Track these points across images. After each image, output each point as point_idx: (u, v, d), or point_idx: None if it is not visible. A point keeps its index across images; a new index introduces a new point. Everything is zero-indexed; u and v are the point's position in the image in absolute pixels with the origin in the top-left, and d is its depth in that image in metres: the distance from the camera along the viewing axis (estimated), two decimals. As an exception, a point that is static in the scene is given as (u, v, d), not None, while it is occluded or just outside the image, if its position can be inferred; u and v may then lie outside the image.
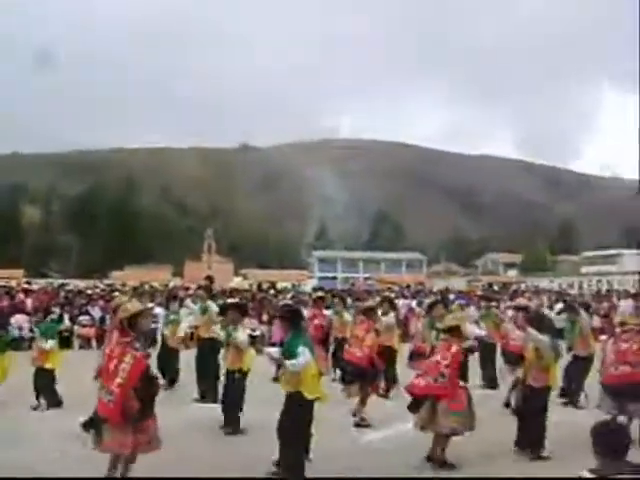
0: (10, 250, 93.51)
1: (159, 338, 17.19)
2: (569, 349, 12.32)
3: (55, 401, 11.64)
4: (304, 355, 7.16)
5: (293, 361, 7.13)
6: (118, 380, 6.44)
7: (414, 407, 8.19)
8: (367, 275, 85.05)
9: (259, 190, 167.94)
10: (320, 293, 15.44)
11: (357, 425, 10.06)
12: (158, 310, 21.66)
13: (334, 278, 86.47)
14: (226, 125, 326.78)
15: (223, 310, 10.81)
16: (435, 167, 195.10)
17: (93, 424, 6.87)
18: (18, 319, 21.54)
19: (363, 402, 10.25)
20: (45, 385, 11.63)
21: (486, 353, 13.87)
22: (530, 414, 8.46)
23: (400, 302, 26.23)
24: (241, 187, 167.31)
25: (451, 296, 31.85)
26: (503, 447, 8.56)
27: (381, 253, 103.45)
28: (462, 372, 8.15)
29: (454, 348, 7.98)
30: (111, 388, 6.46)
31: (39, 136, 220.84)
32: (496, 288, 47.61)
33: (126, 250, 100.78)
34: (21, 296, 25.71)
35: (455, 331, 8.22)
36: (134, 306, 7.14)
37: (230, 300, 13.98)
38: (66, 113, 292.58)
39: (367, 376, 10.22)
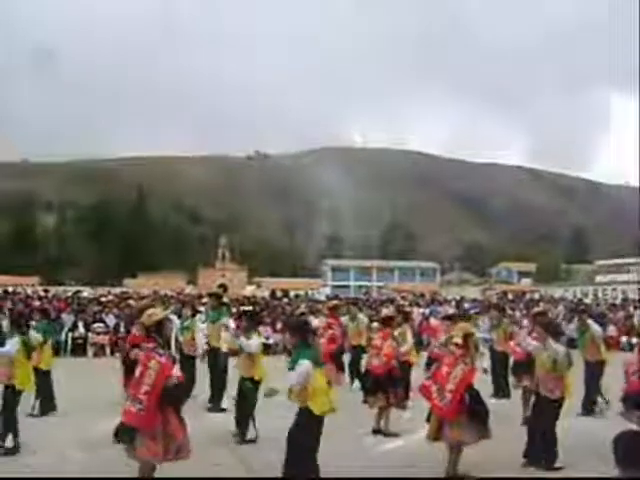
0: (25, 258, 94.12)
1: (173, 346, 17.16)
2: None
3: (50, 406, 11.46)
4: (299, 368, 7.04)
5: (292, 374, 7.05)
6: (145, 387, 6.46)
7: (429, 416, 8.22)
8: (380, 283, 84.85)
9: (272, 198, 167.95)
10: (335, 301, 15.26)
11: (375, 432, 10.02)
12: (172, 317, 21.74)
13: (347, 287, 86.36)
14: (238, 133, 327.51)
15: (237, 318, 10.84)
16: (447, 175, 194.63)
17: (125, 434, 6.79)
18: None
19: (383, 412, 10.21)
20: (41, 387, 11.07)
21: (497, 363, 13.84)
22: (544, 426, 8.42)
23: (414, 311, 26.22)
24: (253, 195, 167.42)
25: (466, 305, 31.82)
26: (514, 458, 8.50)
27: (394, 262, 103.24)
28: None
29: (461, 369, 7.94)
30: (139, 396, 6.47)
31: (49, 144, 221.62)
32: (510, 297, 47.56)
33: (139, 258, 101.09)
34: (36, 304, 25.77)
35: (462, 345, 8.19)
36: (159, 312, 7.21)
37: (244, 308, 13.90)
38: (77, 121, 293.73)
39: (386, 386, 10.18)
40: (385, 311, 12.77)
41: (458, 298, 42.81)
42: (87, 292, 44.44)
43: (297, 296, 43.01)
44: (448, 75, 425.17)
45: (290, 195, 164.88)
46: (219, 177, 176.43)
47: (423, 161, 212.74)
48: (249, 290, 66.01)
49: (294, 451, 7.14)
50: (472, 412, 7.89)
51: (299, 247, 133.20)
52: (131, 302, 27.33)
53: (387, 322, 10.88)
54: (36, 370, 10.62)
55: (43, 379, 11.16)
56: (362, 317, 15.17)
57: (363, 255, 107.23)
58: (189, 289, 61.84)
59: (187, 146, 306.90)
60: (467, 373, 7.96)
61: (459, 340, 8.19)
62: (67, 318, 23.15)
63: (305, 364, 6.98)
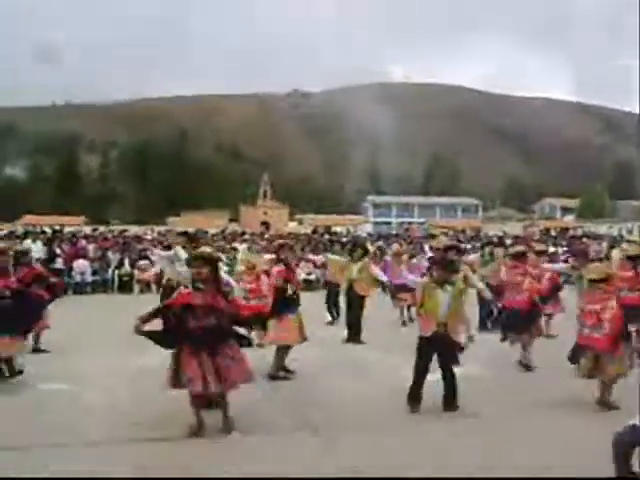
0: (71, 198, 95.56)
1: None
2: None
3: None
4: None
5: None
6: None
7: (575, 356, 8.12)
8: (422, 220, 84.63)
9: (311, 135, 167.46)
10: (519, 248, 13.61)
11: (523, 365, 10.05)
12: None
13: (389, 223, 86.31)
14: (277, 71, 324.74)
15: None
16: (490, 111, 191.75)
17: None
18: (80, 265, 22.03)
19: (526, 346, 10.17)
20: None
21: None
22: None
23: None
24: (293, 133, 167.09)
25: (507, 241, 31.66)
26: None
27: (436, 198, 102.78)
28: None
29: (612, 304, 7.81)
30: None
31: (91, 86, 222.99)
32: (553, 233, 47.17)
33: (182, 197, 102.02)
34: (83, 242, 26.26)
35: (607, 281, 8.09)
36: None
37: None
38: (116, 63, 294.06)
39: (529, 319, 10.17)
40: (520, 248, 12.36)
41: (500, 234, 42.65)
42: (132, 231, 45.08)
43: (335, 233, 43.11)
44: (491, 7, 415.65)
45: (330, 132, 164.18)
46: (259, 115, 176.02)
47: (465, 96, 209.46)
48: (291, 227, 66.39)
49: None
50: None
51: (341, 184, 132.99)
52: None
53: (520, 258, 10.70)
54: None
55: None
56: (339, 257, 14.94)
57: (404, 192, 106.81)
58: (232, 227, 62.33)
59: (227, 85, 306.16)
60: (617, 312, 7.80)
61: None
62: (113, 256, 23.56)
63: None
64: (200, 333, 6.72)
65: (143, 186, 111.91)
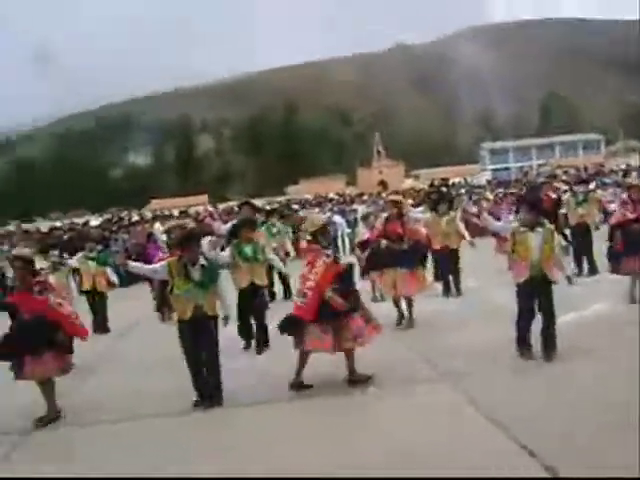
0: (192, 178, 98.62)
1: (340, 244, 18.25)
2: None
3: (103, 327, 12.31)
4: None
5: None
6: (310, 283, 7.08)
7: None
8: (541, 162, 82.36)
9: (421, 88, 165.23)
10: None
11: None
12: (337, 218, 22.69)
13: (507, 169, 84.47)
14: (376, 27, 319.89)
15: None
16: (600, 40, 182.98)
17: (289, 326, 7.34)
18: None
19: None
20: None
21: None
22: None
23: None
24: (402, 88, 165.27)
25: (633, 174, 30.65)
26: None
27: (554, 137, 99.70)
28: None
29: None
30: (303, 291, 7.12)
31: (196, 69, 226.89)
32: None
33: (298, 166, 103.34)
34: (208, 220, 27.20)
35: None
36: (319, 219, 7.83)
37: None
38: (216, 43, 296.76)
39: None
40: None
41: (624, 167, 41.24)
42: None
43: (454, 184, 42.79)
44: None
45: (438, 82, 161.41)
46: (365, 75, 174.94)
47: (574, 28, 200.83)
48: (408, 183, 66.20)
49: None
50: None
51: (454, 134, 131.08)
52: (295, 207, 28.48)
53: None
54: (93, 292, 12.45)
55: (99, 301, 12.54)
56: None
57: (521, 134, 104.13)
58: (349, 190, 62.78)
59: (328, 49, 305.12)
60: None
61: None
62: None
63: None
64: None
65: (259, 159, 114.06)
